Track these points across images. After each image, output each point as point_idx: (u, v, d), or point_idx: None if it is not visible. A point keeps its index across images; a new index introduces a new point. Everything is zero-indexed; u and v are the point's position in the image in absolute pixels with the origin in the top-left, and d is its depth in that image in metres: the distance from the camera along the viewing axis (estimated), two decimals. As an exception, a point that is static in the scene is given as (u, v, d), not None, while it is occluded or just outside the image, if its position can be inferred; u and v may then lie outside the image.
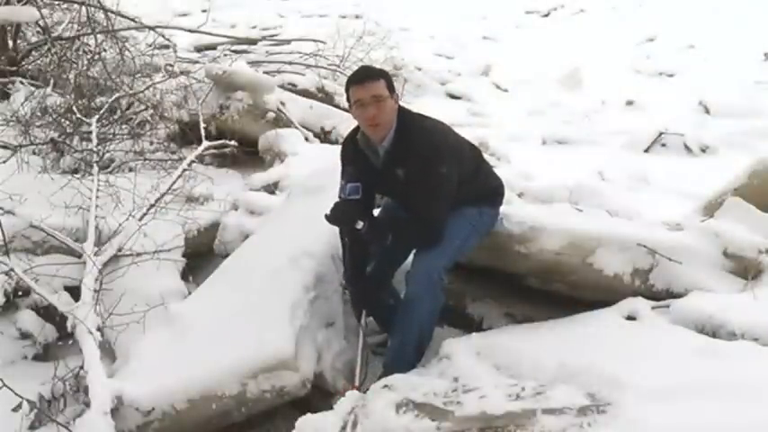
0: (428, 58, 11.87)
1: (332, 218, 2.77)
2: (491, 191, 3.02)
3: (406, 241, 2.92)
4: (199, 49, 9.43)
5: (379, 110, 2.70)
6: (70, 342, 3.01)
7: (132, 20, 6.67)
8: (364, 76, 2.78)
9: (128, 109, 5.48)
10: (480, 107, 9.16)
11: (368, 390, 2.50)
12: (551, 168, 5.96)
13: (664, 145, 7.42)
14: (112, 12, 6.13)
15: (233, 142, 5.09)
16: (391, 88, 2.75)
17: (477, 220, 2.91)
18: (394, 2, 17.00)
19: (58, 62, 5.92)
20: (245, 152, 5.25)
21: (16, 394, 2.62)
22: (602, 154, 7.07)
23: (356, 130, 2.89)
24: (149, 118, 5.41)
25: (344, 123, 5.42)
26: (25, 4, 5.79)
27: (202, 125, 5.15)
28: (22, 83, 5.57)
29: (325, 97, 6.80)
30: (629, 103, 9.48)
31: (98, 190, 3.82)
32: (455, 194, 2.77)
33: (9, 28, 5.90)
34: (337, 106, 6.28)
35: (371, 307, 3.15)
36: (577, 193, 4.68)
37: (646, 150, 7.38)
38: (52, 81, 5.56)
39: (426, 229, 2.77)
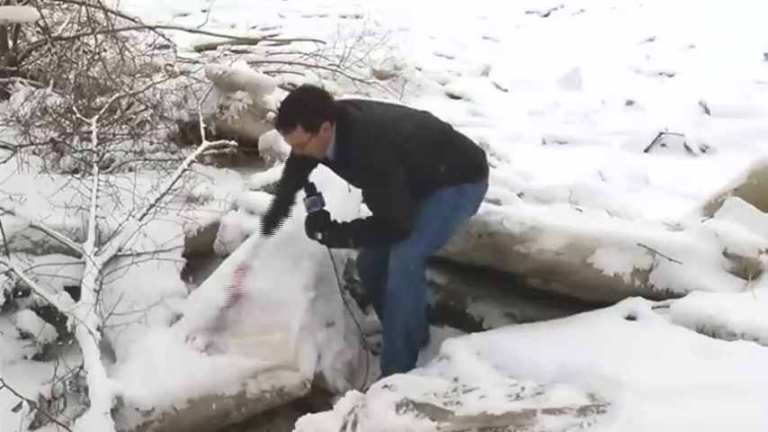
0: (428, 58, 11.86)
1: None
2: (468, 166, 2.95)
3: (371, 242, 2.94)
4: (199, 49, 9.41)
5: (304, 150, 2.77)
6: (70, 342, 3.02)
7: (132, 20, 6.67)
8: (279, 125, 2.78)
9: (128, 109, 5.48)
10: (480, 107, 9.14)
11: (368, 390, 2.50)
12: (551, 168, 5.95)
13: (664, 145, 7.42)
14: (112, 12, 6.13)
15: (233, 142, 5.08)
16: (316, 125, 2.69)
17: (456, 200, 2.88)
18: (394, 2, 16.99)
19: (58, 62, 5.91)
20: (245, 152, 5.25)
21: (16, 394, 2.62)
22: (602, 154, 7.07)
23: None
24: (149, 118, 5.41)
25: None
26: (25, 4, 5.79)
27: (202, 125, 5.15)
28: (22, 83, 5.56)
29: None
30: (629, 103, 9.48)
31: (98, 190, 3.82)
32: (407, 187, 2.73)
33: (9, 28, 5.90)
34: (337, 106, 6.27)
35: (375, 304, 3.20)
36: (577, 193, 4.68)
37: (646, 150, 7.39)
38: (52, 81, 5.56)
39: (388, 225, 2.77)
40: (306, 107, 2.73)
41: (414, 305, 2.85)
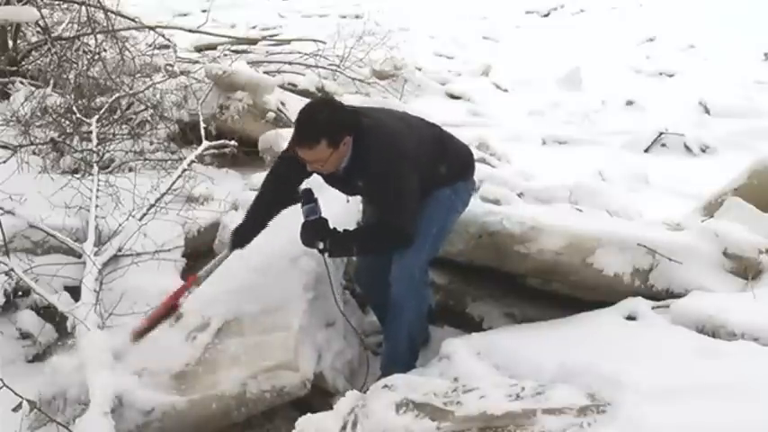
0: (428, 58, 11.87)
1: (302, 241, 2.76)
2: (461, 165, 2.94)
3: (375, 249, 2.87)
4: (199, 49, 9.41)
5: (321, 165, 2.65)
6: (70, 342, 3.01)
7: (132, 20, 6.67)
8: (301, 140, 2.60)
9: (128, 109, 5.48)
10: (480, 107, 9.15)
11: (368, 390, 2.50)
12: (551, 168, 5.96)
13: (664, 145, 7.43)
14: (112, 12, 6.13)
15: (233, 142, 5.09)
16: (338, 140, 2.56)
17: (451, 200, 2.87)
18: (394, 2, 17.00)
19: (58, 62, 5.91)
20: (245, 152, 5.25)
21: (16, 394, 2.62)
22: (602, 154, 7.08)
23: None
24: (149, 118, 5.41)
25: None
26: (25, 4, 5.79)
27: (202, 125, 5.15)
28: (22, 83, 5.56)
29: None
30: (629, 103, 9.49)
31: (98, 190, 3.82)
32: (419, 193, 2.69)
33: (9, 28, 5.89)
34: (337, 106, 6.27)
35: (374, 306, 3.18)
36: (577, 193, 4.68)
37: (646, 150, 7.40)
38: (52, 81, 5.56)
39: (393, 231, 2.71)
40: (330, 122, 2.58)
41: (418, 311, 2.85)
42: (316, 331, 2.87)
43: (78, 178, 3.99)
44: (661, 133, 7.49)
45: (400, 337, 2.87)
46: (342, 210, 3.09)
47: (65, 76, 5.70)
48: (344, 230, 2.79)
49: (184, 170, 4.34)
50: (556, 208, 4.16)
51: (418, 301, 2.82)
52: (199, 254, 3.88)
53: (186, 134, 5.40)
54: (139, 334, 2.73)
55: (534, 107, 9.22)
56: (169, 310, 2.78)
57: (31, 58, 6.24)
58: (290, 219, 3.10)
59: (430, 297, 3.21)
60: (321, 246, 2.71)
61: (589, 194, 4.69)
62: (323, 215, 2.76)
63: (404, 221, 2.68)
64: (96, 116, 4.80)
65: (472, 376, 2.46)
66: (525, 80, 10.86)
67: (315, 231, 2.72)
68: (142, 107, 5.49)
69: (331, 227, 2.75)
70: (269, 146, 5.04)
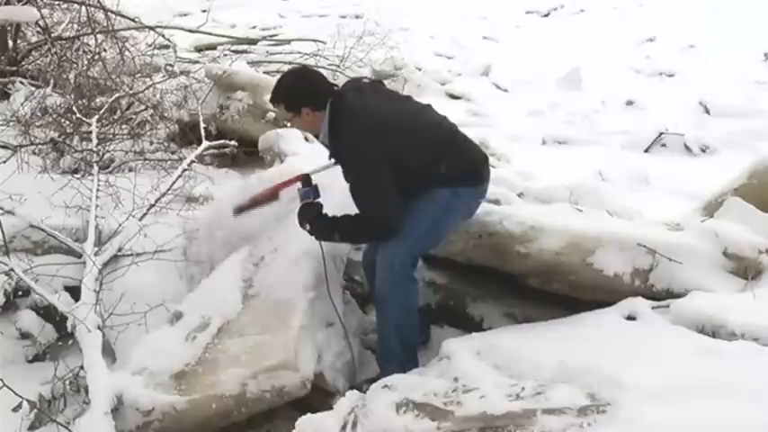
0: (428, 58, 11.86)
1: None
2: (468, 170, 2.90)
3: (357, 239, 2.98)
4: (199, 49, 9.42)
5: (292, 125, 2.93)
6: (70, 342, 3.01)
7: (132, 20, 6.68)
8: (270, 97, 2.93)
9: (128, 109, 5.49)
10: (480, 107, 9.15)
11: (368, 390, 2.50)
12: (551, 168, 5.95)
13: (664, 145, 7.42)
14: (112, 12, 6.14)
15: (233, 142, 5.09)
16: (295, 107, 2.82)
17: (449, 202, 2.84)
18: (394, 2, 16.99)
19: (58, 62, 5.92)
20: (245, 152, 5.26)
21: (16, 394, 2.62)
22: (602, 154, 7.07)
23: None
24: (149, 118, 5.43)
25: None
26: (25, 4, 5.79)
27: (202, 125, 5.16)
28: (22, 83, 5.57)
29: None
30: (629, 103, 9.48)
31: (98, 190, 3.82)
32: (392, 184, 2.71)
33: (9, 28, 5.90)
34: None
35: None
36: (577, 193, 4.68)
37: (646, 150, 7.39)
38: (52, 81, 5.57)
39: (376, 222, 2.76)
40: (289, 89, 2.85)
41: (402, 304, 2.83)
42: (316, 331, 2.87)
43: (78, 178, 3.99)
44: (661, 133, 7.48)
45: (389, 332, 2.87)
46: (339, 199, 3.08)
47: (65, 76, 5.71)
48: (332, 216, 2.85)
49: (184, 170, 4.35)
50: (556, 208, 4.16)
51: (400, 294, 2.81)
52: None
53: (186, 134, 5.41)
54: (240, 209, 3.02)
55: (534, 107, 9.21)
56: (271, 196, 3.00)
57: (31, 58, 6.25)
58: (290, 219, 3.10)
59: (429, 296, 3.20)
60: (308, 228, 2.85)
61: (589, 194, 4.69)
62: (319, 200, 2.86)
63: (379, 210, 2.74)
64: (96, 116, 4.80)
65: (472, 376, 2.46)
66: (525, 80, 10.86)
67: (304, 214, 2.86)
68: (142, 107, 5.50)
69: (323, 212, 2.85)
70: (269, 146, 5.04)
